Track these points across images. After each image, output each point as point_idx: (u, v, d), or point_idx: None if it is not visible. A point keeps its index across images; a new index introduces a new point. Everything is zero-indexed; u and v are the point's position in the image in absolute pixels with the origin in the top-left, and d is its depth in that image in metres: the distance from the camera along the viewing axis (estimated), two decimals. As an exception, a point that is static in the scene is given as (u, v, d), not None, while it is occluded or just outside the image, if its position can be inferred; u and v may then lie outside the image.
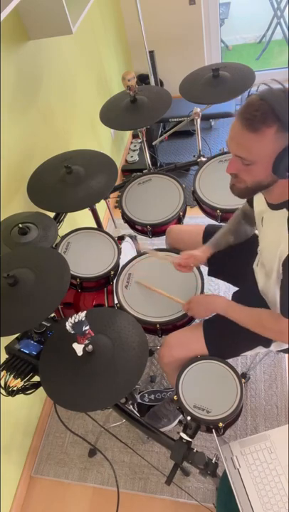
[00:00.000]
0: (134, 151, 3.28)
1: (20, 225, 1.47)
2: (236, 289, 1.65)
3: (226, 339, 1.44)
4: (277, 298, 1.29)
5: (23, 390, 1.28)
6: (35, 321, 1.24)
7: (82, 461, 1.88)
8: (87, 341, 1.18)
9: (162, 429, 1.55)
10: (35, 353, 1.28)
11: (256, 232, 1.61)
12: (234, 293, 1.60)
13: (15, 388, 1.24)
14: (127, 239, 1.98)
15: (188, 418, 1.28)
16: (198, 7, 3.11)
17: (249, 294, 1.47)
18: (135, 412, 1.41)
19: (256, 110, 0.99)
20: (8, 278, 1.17)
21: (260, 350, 1.46)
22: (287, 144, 1.00)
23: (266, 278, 1.34)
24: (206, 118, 3.23)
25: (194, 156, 2.25)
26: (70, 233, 1.79)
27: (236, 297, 1.57)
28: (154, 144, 2.92)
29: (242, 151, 1.05)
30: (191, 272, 1.62)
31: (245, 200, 1.51)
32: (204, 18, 3.20)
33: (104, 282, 1.69)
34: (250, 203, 1.45)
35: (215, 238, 1.57)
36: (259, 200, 1.27)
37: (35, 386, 1.30)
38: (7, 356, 1.31)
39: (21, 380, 1.25)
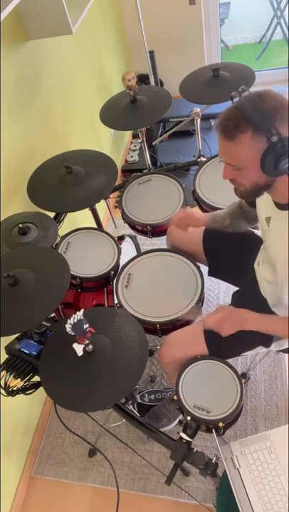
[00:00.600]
0: (134, 151, 3.28)
1: (20, 225, 1.47)
2: (236, 288, 1.65)
3: (226, 339, 1.44)
4: (278, 298, 1.29)
5: (23, 390, 1.28)
6: (35, 321, 1.24)
7: (82, 461, 1.88)
8: (87, 341, 1.18)
9: (162, 429, 1.55)
10: (35, 353, 1.29)
11: (256, 232, 1.61)
12: (234, 293, 1.60)
13: (15, 388, 1.25)
14: (127, 239, 1.98)
15: (188, 418, 1.28)
16: (198, 7, 3.11)
17: (249, 294, 1.47)
18: (135, 412, 1.41)
19: (228, 120, 1.04)
20: (8, 278, 1.17)
21: (261, 350, 1.46)
22: (268, 144, 1.02)
23: (273, 276, 1.33)
24: (206, 118, 3.22)
25: (194, 156, 2.25)
26: (70, 233, 1.79)
27: (236, 297, 1.57)
28: (154, 144, 2.92)
29: (228, 159, 1.10)
30: (186, 231, 1.58)
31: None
32: (204, 18, 3.20)
33: (104, 282, 1.69)
34: (252, 203, 1.45)
35: (214, 212, 1.58)
36: (265, 202, 1.26)
37: (35, 386, 1.30)
38: (7, 356, 1.31)
39: (21, 380, 1.25)
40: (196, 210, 1.96)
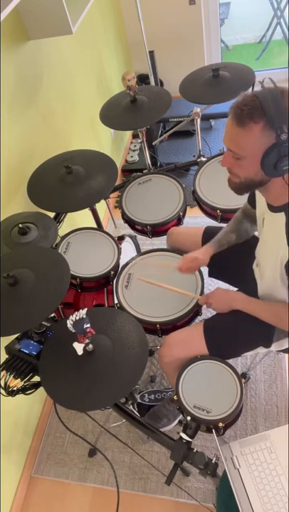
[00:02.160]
0: (134, 151, 3.28)
1: (20, 225, 1.47)
2: (236, 289, 1.65)
3: (226, 339, 1.44)
4: (274, 297, 1.30)
5: (23, 390, 1.28)
6: (35, 321, 1.24)
7: (82, 461, 1.88)
8: (87, 340, 1.18)
9: (162, 429, 1.55)
10: (35, 353, 1.28)
11: (256, 233, 1.61)
12: (234, 293, 1.60)
13: (15, 388, 1.24)
14: (127, 239, 1.98)
15: (188, 418, 1.28)
16: (198, 7, 3.11)
17: (249, 295, 1.47)
18: (135, 412, 1.41)
19: (245, 105, 1.01)
20: (8, 278, 1.17)
21: (261, 350, 1.46)
22: (275, 141, 1.01)
23: (261, 277, 1.35)
24: (206, 118, 3.23)
25: (194, 156, 2.25)
26: (70, 233, 1.79)
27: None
28: (154, 144, 2.92)
29: (232, 145, 1.07)
30: (192, 273, 1.61)
31: (245, 199, 1.51)
32: (204, 18, 3.20)
33: (105, 282, 1.69)
34: (251, 203, 1.46)
35: (217, 238, 1.58)
36: (261, 200, 1.27)
37: (35, 386, 1.30)
38: (7, 356, 1.31)
39: (21, 380, 1.25)
40: (197, 211, 1.96)
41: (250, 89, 1.06)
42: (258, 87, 1.05)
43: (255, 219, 1.51)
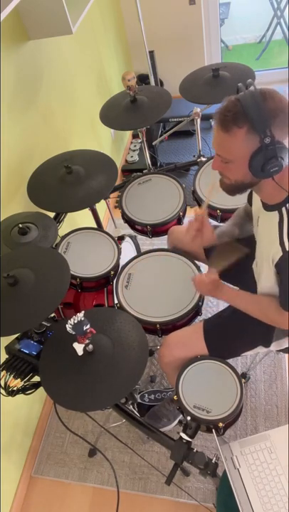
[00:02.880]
0: (134, 151, 3.28)
1: (20, 225, 1.47)
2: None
3: (226, 339, 1.44)
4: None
5: (23, 390, 1.28)
6: (35, 321, 1.24)
7: (82, 461, 1.88)
8: (87, 341, 1.18)
9: (162, 429, 1.55)
10: (35, 353, 1.29)
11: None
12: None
13: (15, 388, 1.24)
14: (127, 239, 1.98)
15: (188, 418, 1.28)
16: (198, 7, 3.11)
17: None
18: (135, 412, 1.41)
19: (228, 111, 1.03)
20: (8, 278, 1.17)
21: (260, 350, 1.46)
22: (260, 145, 1.02)
23: (260, 277, 1.35)
24: (206, 118, 3.20)
25: (194, 156, 2.25)
26: (70, 233, 1.79)
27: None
28: (154, 144, 2.92)
29: (219, 150, 1.10)
30: (194, 240, 1.54)
31: (244, 199, 1.51)
32: (204, 18, 3.20)
33: (105, 282, 1.69)
34: (251, 202, 1.46)
35: (221, 228, 1.57)
36: (257, 199, 1.27)
37: (35, 386, 1.30)
38: (7, 356, 1.31)
39: (21, 380, 1.25)
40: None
41: (235, 93, 1.07)
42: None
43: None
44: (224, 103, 1.05)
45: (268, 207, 1.19)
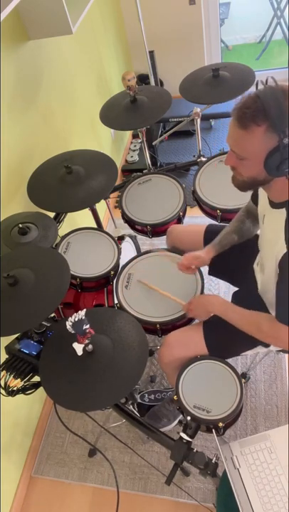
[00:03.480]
0: (134, 151, 3.28)
1: (20, 225, 1.47)
2: (237, 289, 1.65)
3: (225, 339, 1.44)
4: (272, 297, 1.29)
5: (23, 390, 1.28)
6: (35, 321, 1.24)
7: (82, 461, 1.88)
8: (87, 341, 1.18)
9: (162, 429, 1.55)
10: (35, 353, 1.28)
11: (258, 232, 1.61)
12: (234, 293, 1.60)
13: (15, 388, 1.24)
14: (127, 239, 1.98)
15: (188, 418, 1.28)
16: (198, 7, 3.11)
17: (249, 294, 1.47)
18: (135, 412, 1.41)
19: (248, 108, 1.00)
20: (8, 278, 1.17)
21: (260, 349, 1.46)
22: (277, 144, 1.00)
23: (262, 276, 1.34)
24: (206, 118, 3.23)
25: (194, 156, 2.25)
26: (70, 233, 1.79)
27: (236, 297, 1.57)
28: (154, 144, 2.92)
29: (235, 146, 1.08)
30: (192, 273, 1.60)
31: (246, 199, 1.51)
32: (204, 18, 3.20)
33: (105, 282, 1.69)
34: (255, 200, 1.45)
35: (218, 239, 1.56)
36: (263, 197, 1.27)
37: (35, 386, 1.30)
38: (7, 356, 1.31)
39: (21, 380, 1.25)
40: (197, 211, 1.96)
41: (253, 89, 1.06)
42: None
43: (258, 218, 1.51)
44: (243, 99, 1.02)
45: (275, 204, 1.18)
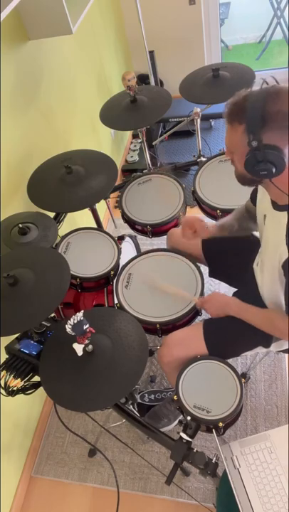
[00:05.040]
0: (134, 151, 3.28)
1: (20, 225, 1.47)
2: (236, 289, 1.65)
3: (225, 339, 1.44)
4: (274, 297, 1.30)
5: (23, 390, 1.28)
6: (35, 321, 1.24)
7: (82, 461, 1.88)
8: (87, 341, 1.18)
9: (162, 429, 1.55)
10: (35, 353, 1.28)
11: (254, 233, 1.61)
12: (234, 293, 1.60)
13: (15, 388, 1.24)
14: (127, 239, 1.98)
15: (188, 418, 1.28)
16: (198, 7, 3.11)
17: (249, 295, 1.47)
18: (135, 412, 1.41)
19: (234, 104, 1.05)
20: (8, 278, 1.17)
21: (260, 350, 1.46)
22: (248, 146, 1.02)
23: (262, 276, 1.35)
24: (206, 118, 3.23)
25: (194, 156, 2.25)
26: (70, 233, 1.79)
27: (236, 297, 1.57)
28: (154, 144, 2.92)
29: (226, 139, 1.13)
30: (192, 240, 1.60)
31: (245, 199, 1.51)
32: (204, 18, 3.20)
33: (104, 282, 1.69)
34: (254, 200, 1.45)
35: (222, 220, 1.58)
36: (264, 197, 1.27)
37: (35, 386, 1.30)
38: (7, 356, 1.31)
39: (21, 380, 1.25)
40: (197, 211, 1.96)
41: (250, 88, 1.06)
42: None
43: (256, 217, 1.52)
44: (235, 95, 1.06)
45: (278, 206, 1.18)
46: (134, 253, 2.06)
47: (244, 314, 1.38)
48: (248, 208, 1.52)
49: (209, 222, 1.59)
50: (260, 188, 1.33)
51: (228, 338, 1.44)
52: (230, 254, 1.61)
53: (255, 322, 1.35)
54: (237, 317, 1.39)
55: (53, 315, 1.65)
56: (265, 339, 1.42)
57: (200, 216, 1.58)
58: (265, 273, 1.32)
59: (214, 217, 1.84)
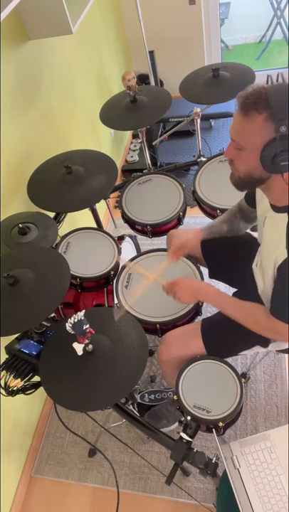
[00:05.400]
0: (134, 151, 3.28)
1: (20, 225, 1.47)
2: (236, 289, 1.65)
3: (223, 338, 1.44)
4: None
5: (23, 390, 1.28)
6: (35, 321, 1.24)
7: (82, 461, 1.88)
8: (87, 341, 1.18)
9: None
10: (35, 353, 1.29)
11: (253, 234, 1.61)
12: (234, 293, 1.60)
13: (15, 388, 1.25)
14: (127, 239, 1.98)
15: (188, 418, 1.28)
16: (198, 7, 3.11)
17: (248, 295, 1.47)
18: (135, 412, 1.41)
19: (252, 94, 1.01)
20: (8, 278, 1.17)
21: (259, 349, 1.46)
22: (275, 134, 1.00)
23: (260, 276, 1.34)
24: (206, 118, 3.23)
25: (194, 156, 2.25)
26: (70, 233, 1.79)
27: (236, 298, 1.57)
28: (154, 144, 2.92)
29: (234, 133, 1.08)
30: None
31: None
32: (204, 18, 3.20)
33: (104, 282, 1.69)
34: (248, 201, 1.45)
35: (210, 225, 1.59)
36: (263, 200, 1.26)
37: (35, 386, 1.30)
38: (7, 356, 1.31)
39: (21, 380, 1.25)
40: (197, 211, 1.96)
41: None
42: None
43: (249, 217, 1.52)
44: (250, 87, 1.03)
45: (277, 208, 1.18)
46: (134, 253, 2.06)
47: (220, 302, 1.35)
48: (242, 208, 1.52)
49: (191, 236, 1.60)
50: (258, 190, 1.32)
51: (225, 337, 1.44)
52: (230, 255, 1.60)
53: (234, 313, 1.32)
54: (213, 306, 1.37)
55: (53, 315, 1.65)
56: (263, 338, 1.42)
57: (181, 242, 1.57)
58: (264, 274, 1.32)
59: (214, 217, 1.83)
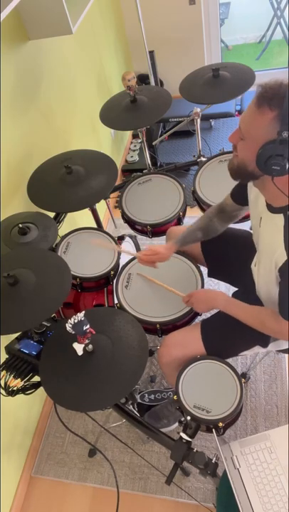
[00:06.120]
0: (134, 151, 3.28)
1: (20, 225, 1.47)
2: (236, 289, 1.65)
3: (223, 339, 1.44)
4: (270, 297, 1.30)
5: (23, 390, 1.28)
6: (35, 321, 1.24)
7: (82, 461, 1.88)
8: (87, 341, 1.18)
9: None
10: (35, 353, 1.29)
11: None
12: (234, 293, 1.60)
13: (15, 388, 1.25)
14: (127, 239, 1.97)
15: (188, 418, 1.28)
16: (198, 7, 3.11)
17: (248, 294, 1.47)
18: (135, 412, 1.41)
19: (271, 88, 0.99)
20: (8, 278, 1.17)
21: (259, 350, 1.46)
22: (276, 135, 0.99)
23: (259, 276, 1.35)
24: (206, 118, 3.23)
25: (194, 156, 2.25)
26: (70, 233, 1.79)
27: (236, 297, 1.57)
28: (154, 144, 2.92)
29: (242, 121, 1.07)
30: (154, 267, 1.61)
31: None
32: (204, 18, 3.20)
33: (104, 282, 1.69)
34: (236, 198, 1.45)
35: (182, 236, 1.59)
36: (258, 200, 1.26)
37: (35, 386, 1.30)
38: (7, 356, 1.31)
39: (21, 380, 1.25)
40: (197, 211, 1.96)
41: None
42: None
43: (230, 216, 1.53)
44: (270, 80, 1.01)
45: (273, 209, 1.18)
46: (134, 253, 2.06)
47: (231, 309, 1.38)
48: (223, 208, 1.52)
49: (164, 246, 1.60)
50: (252, 189, 1.31)
51: (225, 338, 1.44)
52: (229, 254, 1.60)
53: (244, 318, 1.35)
54: (225, 312, 1.39)
55: (53, 315, 1.65)
56: (262, 338, 1.42)
57: (152, 250, 1.58)
58: (263, 274, 1.32)
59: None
